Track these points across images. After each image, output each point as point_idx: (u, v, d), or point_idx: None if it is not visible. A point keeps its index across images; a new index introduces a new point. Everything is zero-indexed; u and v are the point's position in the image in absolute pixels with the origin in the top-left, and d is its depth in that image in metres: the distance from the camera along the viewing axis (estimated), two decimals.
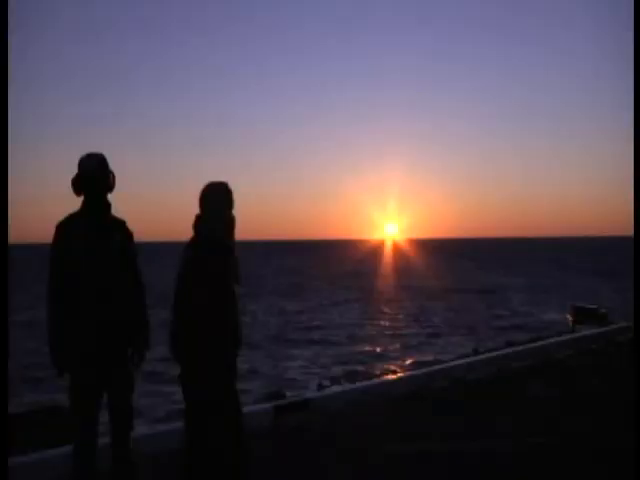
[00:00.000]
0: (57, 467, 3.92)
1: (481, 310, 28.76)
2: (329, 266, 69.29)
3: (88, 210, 3.27)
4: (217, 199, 3.37)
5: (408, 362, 16.42)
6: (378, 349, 19.26)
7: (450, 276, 50.92)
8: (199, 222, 3.38)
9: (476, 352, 13.92)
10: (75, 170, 3.25)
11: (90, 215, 3.27)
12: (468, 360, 8.01)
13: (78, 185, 3.26)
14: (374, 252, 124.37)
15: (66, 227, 3.24)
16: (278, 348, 19.24)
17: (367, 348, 19.40)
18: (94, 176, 3.23)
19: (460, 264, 72.20)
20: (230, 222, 3.41)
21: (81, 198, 3.27)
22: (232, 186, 3.45)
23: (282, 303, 32.88)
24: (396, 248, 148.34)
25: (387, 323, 25.68)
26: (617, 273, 44.05)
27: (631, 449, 3.55)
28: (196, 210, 3.43)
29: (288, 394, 8.54)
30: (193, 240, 3.40)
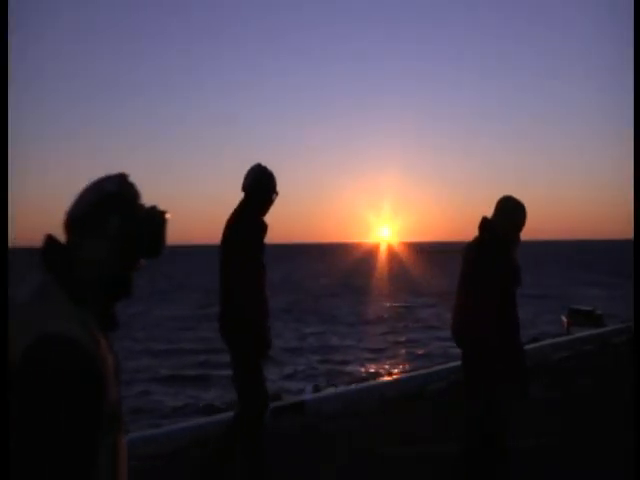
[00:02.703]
0: None
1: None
2: (355, 269, 68.93)
3: None
4: (513, 210, 3.51)
5: None
6: None
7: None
8: (487, 223, 3.53)
9: None
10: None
11: None
12: None
13: None
14: (375, 255, 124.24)
15: None
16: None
17: None
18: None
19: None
20: (516, 231, 3.52)
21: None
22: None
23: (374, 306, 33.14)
24: (395, 251, 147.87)
25: None
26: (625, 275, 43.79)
27: (631, 449, 3.54)
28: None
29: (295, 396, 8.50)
30: (477, 240, 3.56)
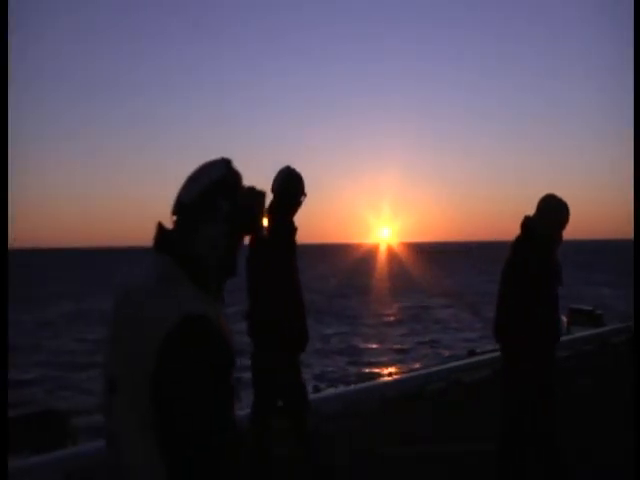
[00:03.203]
0: (50, 471, 3.86)
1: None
2: (358, 269, 68.66)
3: None
4: (556, 208, 3.49)
5: None
6: None
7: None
8: (528, 221, 3.53)
9: (472, 353, 13.91)
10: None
11: None
12: (465, 362, 7.99)
13: None
14: (375, 256, 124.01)
15: None
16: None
17: None
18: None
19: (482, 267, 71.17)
20: (559, 230, 3.51)
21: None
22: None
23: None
24: (395, 252, 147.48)
25: None
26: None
27: (631, 449, 3.53)
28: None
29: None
30: (517, 239, 3.56)
